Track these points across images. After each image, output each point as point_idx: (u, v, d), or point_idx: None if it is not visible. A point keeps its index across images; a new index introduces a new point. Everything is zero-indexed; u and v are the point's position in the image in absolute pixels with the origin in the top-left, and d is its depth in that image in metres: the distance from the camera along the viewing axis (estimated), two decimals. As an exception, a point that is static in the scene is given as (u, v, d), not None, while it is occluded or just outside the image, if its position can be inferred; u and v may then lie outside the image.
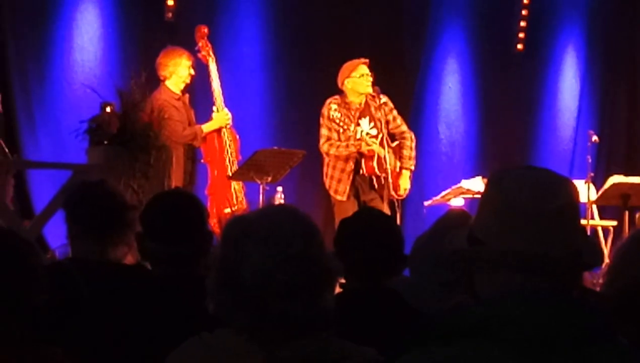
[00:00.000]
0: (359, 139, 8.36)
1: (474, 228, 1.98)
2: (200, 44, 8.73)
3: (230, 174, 8.68)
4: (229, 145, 8.68)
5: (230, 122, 8.73)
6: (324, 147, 8.52)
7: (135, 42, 8.76)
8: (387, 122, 8.60)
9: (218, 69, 8.92)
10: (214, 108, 8.71)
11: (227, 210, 8.32)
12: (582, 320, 1.88)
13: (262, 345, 2.13)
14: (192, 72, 8.50)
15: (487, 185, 1.99)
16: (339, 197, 8.52)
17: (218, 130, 8.66)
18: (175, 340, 2.26)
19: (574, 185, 1.98)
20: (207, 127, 8.59)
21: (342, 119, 8.41)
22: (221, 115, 8.67)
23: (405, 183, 8.65)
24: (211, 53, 8.77)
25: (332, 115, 8.37)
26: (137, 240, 3.29)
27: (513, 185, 1.92)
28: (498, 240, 1.91)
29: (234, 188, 8.71)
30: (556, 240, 1.90)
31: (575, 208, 1.96)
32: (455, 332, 1.86)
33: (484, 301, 1.91)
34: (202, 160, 8.66)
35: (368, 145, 8.34)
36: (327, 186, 8.62)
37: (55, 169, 8.13)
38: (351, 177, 8.49)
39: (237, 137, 8.85)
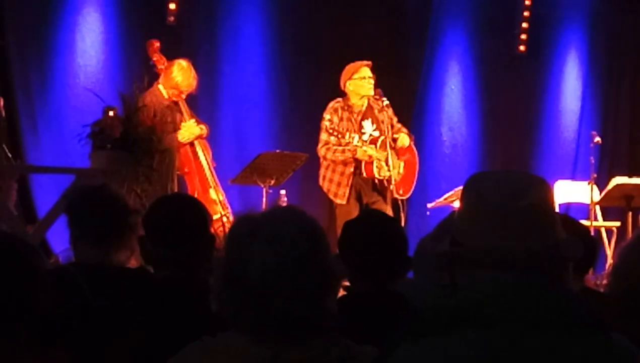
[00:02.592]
0: (355, 145, 8.36)
1: (454, 230, 2.05)
2: (154, 59, 8.44)
3: (232, 179, 8.65)
4: (204, 154, 8.52)
5: (204, 132, 8.46)
6: (321, 151, 8.51)
7: (137, 46, 8.75)
8: (392, 125, 8.60)
9: (221, 73, 8.88)
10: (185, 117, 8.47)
11: (216, 216, 8.24)
12: (561, 307, 1.92)
13: (266, 346, 2.13)
14: (179, 80, 8.24)
15: (464, 189, 2.08)
16: (338, 201, 8.51)
17: (191, 143, 8.38)
18: (178, 344, 2.25)
19: (547, 185, 2.06)
20: (180, 136, 8.29)
21: (342, 125, 8.40)
22: (188, 125, 8.35)
23: (403, 140, 8.59)
24: (167, 63, 8.40)
25: (328, 125, 8.34)
26: (140, 244, 3.29)
27: (487, 186, 2.01)
28: (475, 239, 1.99)
29: (217, 196, 8.54)
30: (530, 236, 1.97)
31: (547, 205, 2.03)
32: (439, 323, 1.92)
33: (460, 292, 1.96)
34: (178, 172, 8.36)
35: (364, 153, 8.33)
36: (325, 189, 8.60)
37: (58, 174, 8.12)
38: (351, 181, 8.48)
39: (208, 146, 8.65)
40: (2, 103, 8.25)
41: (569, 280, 2.06)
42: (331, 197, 8.58)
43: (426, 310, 1.97)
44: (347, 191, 8.47)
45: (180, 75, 8.25)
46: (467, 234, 2.00)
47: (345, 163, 8.46)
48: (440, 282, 3.17)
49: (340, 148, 8.41)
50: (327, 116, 8.46)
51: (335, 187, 8.52)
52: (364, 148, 8.35)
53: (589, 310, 1.94)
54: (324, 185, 8.58)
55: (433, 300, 2.00)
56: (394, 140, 8.59)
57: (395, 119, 8.70)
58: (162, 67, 8.36)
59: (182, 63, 8.31)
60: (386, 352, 1.98)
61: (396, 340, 1.96)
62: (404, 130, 8.72)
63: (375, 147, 8.44)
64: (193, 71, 8.32)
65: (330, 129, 8.31)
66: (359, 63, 8.57)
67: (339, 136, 8.34)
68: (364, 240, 3.25)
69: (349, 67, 8.58)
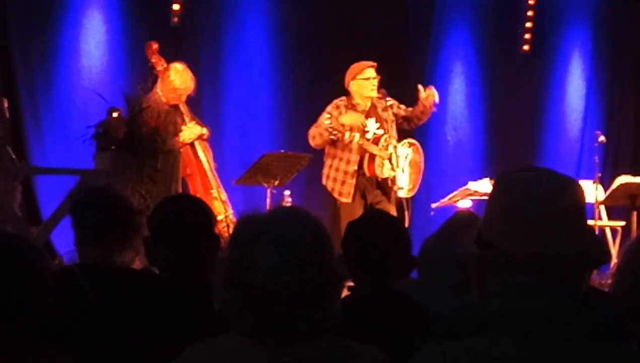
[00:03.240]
0: (360, 144, 8.37)
1: (483, 232, 2.00)
2: (153, 61, 8.42)
3: (236, 180, 8.65)
4: (205, 155, 8.50)
5: (205, 133, 8.46)
6: (310, 131, 8.49)
7: (141, 47, 8.75)
8: (399, 116, 8.60)
9: (225, 74, 8.88)
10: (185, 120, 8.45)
11: (220, 217, 8.24)
12: (592, 318, 1.89)
13: (267, 347, 2.12)
14: (177, 83, 8.21)
15: (493, 189, 2.02)
16: (343, 199, 8.49)
17: (191, 144, 8.38)
18: (182, 345, 2.25)
19: (579, 185, 2.00)
20: (181, 137, 8.26)
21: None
22: (189, 126, 8.35)
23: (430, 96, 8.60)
24: (166, 65, 8.39)
25: (326, 116, 8.36)
26: (145, 245, 3.28)
27: (519, 188, 1.95)
28: (508, 242, 1.93)
29: (219, 197, 8.53)
30: (565, 239, 1.93)
31: (582, 208, 1.98)
32: (467, 327, 1.89)
33: (495, 297, 1.92)
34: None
35: (351, 136, 8.34)
36: (329, 188, 8.58)
37: (62, 175, 8.13)
38: (355, 178, 8.46)
39: (209, 148, 8.64)
40: (6, 104, 8.27)
41: (585, 284, 2.04)
42: (336, 196, 8.56)
43: (453, 313, 1.93)
44: (352, 190, 8.45)
45: (177, 79, 8.22)
46: (501, 236, 1.94)
47: (348, 161, 8.46)
48: (446, 283, 3.17)
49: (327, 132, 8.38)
50: (328, 109, 8.47)
51: (340, 185, 8.50)
52: (362, 142, 8.36)
53: (615, 320, 1.92)
54: (328, 184, 8.56)
55: (462, 306, 1.96)
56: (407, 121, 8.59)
57: (403, 106, 8.67)
58: (161, 68, 8.33)
59: (178, 66, 8.27)
60: (406, 354, 1.95)
61: (417, 341, 1.94)
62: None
63: (378, 145, 8.44)
64: (189, 73, 8.28)
65: (330, 128, 8.31)
66: (363, 63, 8.56)
67: (339, 135, 8.34)
68: (367, 240, 3.25)
69: (354, 67, 8.58)
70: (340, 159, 8.48)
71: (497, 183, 2.01)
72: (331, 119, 8.32)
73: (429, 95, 8.57)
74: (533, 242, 1.91)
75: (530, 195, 1.93)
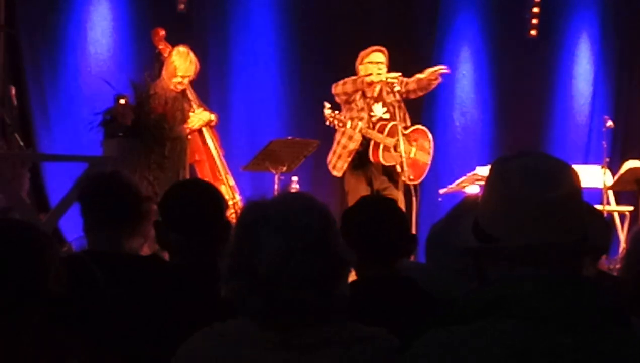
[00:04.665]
0: (363, 132, 8.43)
1: (481, 222, 1.99)
2: (160, 47, 8.40)
3: (244, 166, 8.66)
4: (213, 142, 8.50)
5: (213, 120, 8.47)
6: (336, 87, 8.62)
7: (148, 33, 8.75)
8: (410, 91, 8.61)
9: (232, 61, 8.87)
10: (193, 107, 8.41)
11: (230, 203, 8.24)
12: (595, 302, 1.90)
13: (276, 331, 2.13)
14: (177, 65, 8.16)
15: (489, 178, 2.00)
16: (335, 173, 8.62)
17: (199, 131, 8.40)
18: (191, 330, 2.26)
19: (575, 171, 1.99)
20: (190, 123, 8.24)
21: (354, 99, 8.46)
22: (197, 113, 8.36)
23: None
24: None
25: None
26: (156, 229, 3.28)
27: (516, 178, 1.94)
28: (507, 235, 1.93)
29: (227, 183, 8.54)
30: (565, 227, 1.92)
31: (579, 194, 1.98)
32: (470, 312, 1.90)
33: (498, 281, 1.92)
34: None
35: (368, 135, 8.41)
36: (327, 160, 8.67)
37: (70, 162, 8.14)
38: (352, 156, 8.51)
39: (216, 134, 8.65)
40: (13, 92, 8.29)
41: (592, 269, 2.04)
42: (330, 168, 8.65)
43: (458, 301, 1.94)
44: (345, 166, 8.52)
45: (177, 60, 8.18)
46: (500, 227, 1.94)
47: (350, 137, 8.49)
48: (453, 268, 3.17)
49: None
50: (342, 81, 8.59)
51: (336, 159, 8.60)
52: (366, 131, 8.41)
53: (616, 304, 1.92)
54: (328, 156, 8.67)
55: (465, 292, 1.96)
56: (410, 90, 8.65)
57: (411, 79, 8.68)
58: (167, 55, 8.33)
59: (180, 49, 8.25)
60: (412, 337, 1.96)
61: (423, 326, 1.94)
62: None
63: (383, 132, 8.47)
64: (191, 55, 8.24)
65: (331, 116, 8.36)
66: (371, 48, 8.64)
67: (340, 125, 8.40)
68: (364, 226, 3.25)
69: (363, 52, 8.66)
70: (343, 134, 8.54)
71: (492, 172, 2.00)
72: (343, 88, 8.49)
73: (434, 71, 8.63)
74: (533, 233, 1.91)
75: (528, 185, 1.92)
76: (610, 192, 9.90)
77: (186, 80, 8.25)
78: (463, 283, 3.07)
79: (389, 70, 8.60)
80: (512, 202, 1.92)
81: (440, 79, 8.75)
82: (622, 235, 9.53)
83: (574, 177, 1.96)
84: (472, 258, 2.00)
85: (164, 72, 8.22)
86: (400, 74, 8.60)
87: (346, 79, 8.60)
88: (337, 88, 8.60)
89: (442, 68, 8.71)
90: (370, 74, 8.54)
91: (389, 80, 8.55)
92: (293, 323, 2.12)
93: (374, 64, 8.58)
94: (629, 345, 1.88)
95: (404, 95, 8.67)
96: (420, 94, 8.81)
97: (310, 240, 2.12)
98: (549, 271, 1.91)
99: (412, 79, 8.68)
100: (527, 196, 1.91)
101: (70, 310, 2.47)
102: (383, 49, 8.62)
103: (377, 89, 8.59)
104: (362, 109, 8.54)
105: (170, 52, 8.29)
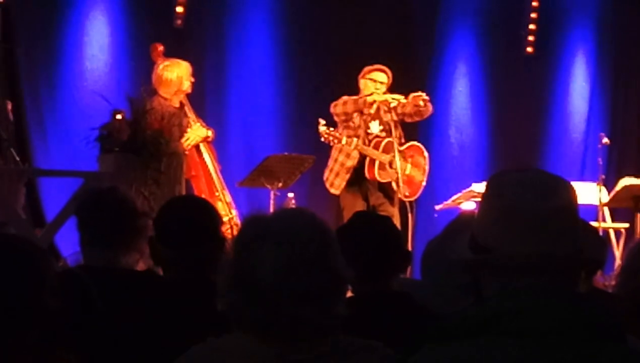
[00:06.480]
0: (359, 149, 8.43)
1: (477, 236, 1.99)
2: (159, 63, 8.32)
3: (240, 181, 8.65)
4: (210, 158, 8.48)
5: (210, 135, 8.43)
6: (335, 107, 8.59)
7: (145, 49, 8.75)
8: (405, 114, 8.61)
9: (228, 76, 8.87)
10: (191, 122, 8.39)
11: (225, 219, 8.22)
12: (590, 317, 1.89)
13: (273, 346, 2.13)
14: (167, 76, 8.11)
15: (485, 192, 2.01)
16: (333, 190, 8.60)
17: (196, 146, 8.35)
18: (186, 346, 2.26)
19: (571, 184, 2.00)
20: (186, 141, 8.19)
21: (351, 113, 8.48)
22: (194, 128, 8.31)
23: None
24: None
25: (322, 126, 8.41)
26: (150, 245, 3.29)
27: (512, 190, 1.95)
28: (503, 245, 1.93)
29: (223, 198, 8.52)
30: (560, 239, 1.93)
31: (574, 206, 1.98)
32: (466, 328, 1.89)
33: (493, 298, 1.92)
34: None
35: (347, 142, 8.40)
36: (324, 179, 8.65)
37: (66, 177, 8.13)
38: (350, 174, 8.51)
39: (214, 149, 8.63)
40: (10, 106, 8.27)
41: (587, 284, 2.04)
42: (327, 186, 8.63)
43: (455, 315, 1.94)
44: (344, 183, 8.51)
45: (166, 71, 8.13)
46: (495, 239, 1.94)
47: (348, 155, 8.49)
48: (450, 284, 3.17)
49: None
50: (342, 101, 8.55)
51: (334, 176, 8.60)
52: (361, 147, 8.40)
53: (612, 318, 1.92)
54: (325, 173, 8.66)
55: (461, 308, 1.96)
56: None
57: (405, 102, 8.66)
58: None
59: (168, 61, 8.21)
60: (408, 352, 1.96)
61: (419, 342, 1.94)
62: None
63: (379, 149, 8.48)
64: (182, 64, 8.18)
65: (326, 133, 8.35)
66: (377, 66, 8.66)
67: (335, 141, 8.40)
68: (358, 244, 3.25)
69: (368, 67, 8.69)
70: (340, 151, 8.54)
71: (489, 186, 2.01)
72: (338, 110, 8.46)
73: (415, 97, 8.57)
74: (529, 243, 1.91)
75: (524, 196, 1.93)
76: (606, 209, 9.90)
77: (180, 91, 8.17)
78: (459, 299, 3.08)
79: (391, 92, 8.62)
80: (508, 213, 1.93)
81: (430, 107, 8.69)
82: (618, 252, 9.54)
83: (570, 191, 1.97)
84: (469, 273, 2.00)
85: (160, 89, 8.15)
86: (403, 96, 8.58)
87: (346, 99, 8.57)
88: (337, 108, 8.57)
89: (420, 95, 8.62)
90: (371, 94, 8.53)
91: (389, 100, 8.53)
92: (291, 337, 2.13)
93: (373, 82, 8.59)
94: (626, 360, 1.88)
95: (400, 117, 8.65)
96: (417, 119, 8.78)
97: (310, 255, 2.12)
98: (545, 284, 1.91)
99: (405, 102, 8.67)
100: (523, 206, 1.92)
101: (65, 325, 2.47)
102: (387, 69, 8.62)
103: (374, 106, 8.59)
104: (359, 126, 8.55)
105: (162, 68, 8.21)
